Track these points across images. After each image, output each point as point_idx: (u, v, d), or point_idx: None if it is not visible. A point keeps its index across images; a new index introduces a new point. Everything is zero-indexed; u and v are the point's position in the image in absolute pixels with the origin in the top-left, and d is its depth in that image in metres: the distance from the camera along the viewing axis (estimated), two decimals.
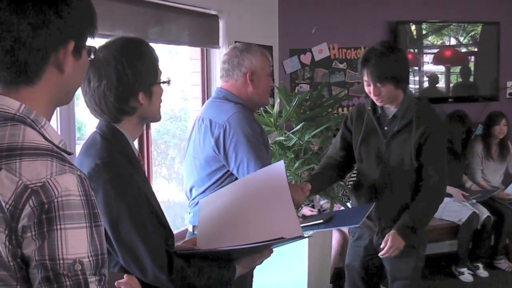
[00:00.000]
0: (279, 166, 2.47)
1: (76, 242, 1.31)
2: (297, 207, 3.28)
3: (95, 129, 2.23)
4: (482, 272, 6.21)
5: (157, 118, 2.32)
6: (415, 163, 3.37)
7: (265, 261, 2.43)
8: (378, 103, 3.42)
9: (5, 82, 1.43)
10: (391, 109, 3.46)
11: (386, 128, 3.45)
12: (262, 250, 2.32)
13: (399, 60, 3.37)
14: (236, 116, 3.04)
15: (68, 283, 1.30)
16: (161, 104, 2.28)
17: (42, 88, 1.44)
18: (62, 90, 1.50)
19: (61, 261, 1.29)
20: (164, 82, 2.24)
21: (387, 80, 3.31)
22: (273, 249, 2.38)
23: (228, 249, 2.22)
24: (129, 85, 2.11)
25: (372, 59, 3.34)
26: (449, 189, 6.30)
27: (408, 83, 3.53)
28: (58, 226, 1.29)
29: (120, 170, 2.08)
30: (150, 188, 2.29)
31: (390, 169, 3.41)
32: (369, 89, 3.38)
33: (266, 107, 4.68)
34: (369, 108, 3.50)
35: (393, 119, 3.44)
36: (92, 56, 1.57)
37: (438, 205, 3.46)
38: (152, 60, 2.19)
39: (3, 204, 1.29)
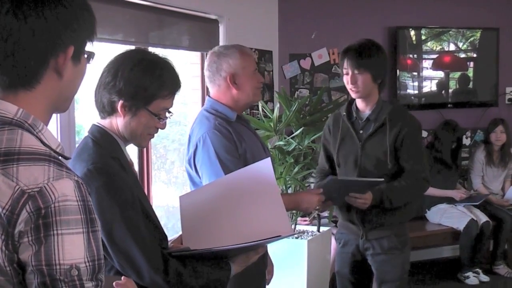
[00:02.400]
0: (266, 162, 2.44)
1: (73, 248, 1.31)
2: (311, 209, 3.23)
3: (87, 133, 2.23)
4: (483, 277, 6.22)
5: (136, 143, 2.28)
6: (389, 164, 3.40)
7: None
8: (353, 95, 3.47)
9: (4, 86, 1.43)
10: (366, 113, 3.51)
11: (361, 131, 3.49)
12: (257, 248, 2.32)
13: (379, 54, 3.47)
14: (208, 135, 2.93)
15: None
16: (146, 134, 2.23)
17: (40, 93, 1.44)
18: (60, 95, 1.50)
19: (58, 267, 1.29)
20: (154, 114, 2.18)
21: (365, 68, 3.38)
22: (268, 246, 2.41)
23: (225, 248, 2.22)
24: (116, 86, 2.12)
25: (353, 48, 3.45)
26: (448, 192, 6.32)
27: (384, 84, 3.59)
28: (55, 232, 1.29)
29: (112, 175, 2.08)
30: (143, 191, 2.29)
31: (366, 171, 3.43)
32: (347, 78, 3.43)
33: (266, 111, 4.69)
34: (344, 113, 3.54)
35: (367, 122, 3.49)
36: (91, 62, 1.57)
37: (417, 192, 3.51)
38: (153, 88, 2.15)
39: (0, 210, 1.29)
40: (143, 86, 2.12)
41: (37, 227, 1.28)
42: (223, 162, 2.86)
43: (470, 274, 6.17)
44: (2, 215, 1.29)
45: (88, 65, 1.56)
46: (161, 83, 2.15)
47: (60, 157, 1.42)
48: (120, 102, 2.12)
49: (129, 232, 2.04)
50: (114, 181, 2.07)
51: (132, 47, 4.34)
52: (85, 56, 1.53)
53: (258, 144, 3.15)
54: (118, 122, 2.17)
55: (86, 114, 3.75)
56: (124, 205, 2.05)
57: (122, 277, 1.90)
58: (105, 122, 2.20)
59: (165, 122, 2.25)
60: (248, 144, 3.01)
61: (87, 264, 1.33)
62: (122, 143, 2.21)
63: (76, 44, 1.47)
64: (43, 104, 1.46)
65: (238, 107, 3.08)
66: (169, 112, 2.24)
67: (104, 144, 2.16)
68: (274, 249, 2.83)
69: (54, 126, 3.41)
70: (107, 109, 2.16)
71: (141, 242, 2.06)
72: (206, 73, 3.12)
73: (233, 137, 2.96)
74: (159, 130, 2.27)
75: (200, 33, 5.07)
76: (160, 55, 2.25)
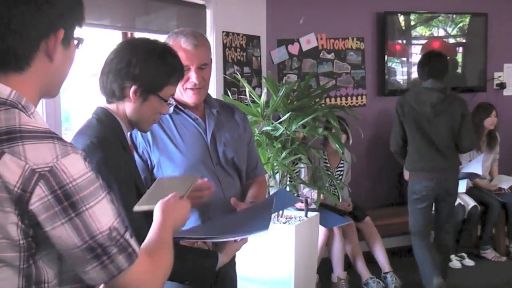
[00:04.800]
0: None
1: (103, 214, 1.43)
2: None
3: (91, 115, 2.27)
4: (468, 262, 6.28)
5: (142, 127, 2.33)
6: None
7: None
8: None
9: None
10: None
11: None
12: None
13: None
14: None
15: (115, 250, 1.44)
16: (152, 120, 2.29)
17: (31, 76, 1.47)
18: (51, 79, 1.53)
19: (100, 235, 1.41)
20: (164, 100, 2.25)
21: None
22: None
23: (210, 240, 2.29)
24: (130, 72, 2.17)
25: None
26: None
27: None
28: (84, 207, 1.39)
29: (114, 151, 2.14)
30: (139, 175, 2.34)
31: None
32: None
33: (253, 97, 4.68)
34: None
35: None
36: (80, 48, 1.60)
37: None
38: (165, 75, 2.23)
39: (11, 188, 1.34)
40: (158, 73, 2.21)
41: (64, 209, 1.37)
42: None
43: (453, 257, 6.23)
44: (14, 192, 1.34)
45: (77, 50, 1.60)
46: (173, 70, 2.25)
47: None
48: (133, 87, 2.18)
49: (122, 208, 2.05)
50: (114, 157, 2.13)
51: (120, 33, 4.36)
52: (75, 41, 1.57)
53: (194, 137, 2.81)
54: (126, 107, 2.24)
55: (72, 100, 3.73)
56: (121, 182, 2.10)
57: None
58: (111, 106, 2.26)
59: (168, 107, 2.34)
60: (175, 137, 2.76)
61: (117, 220, 1.47)
62: (125, 127, 2.26)
63: (66, 28, 1.50)
64: (33, 87, 1.49)
65: (180, 100, 2.81)
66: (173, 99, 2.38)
67: (108, 124, 2.22)
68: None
69: (40, 112, 3.39)
70: (117, 94, 2.21)
71: (132, 221, 2.07)
72: None
73: (148, 134, 2.69)
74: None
75: (187, 18, 5.05)
76: (166, 43, 2.36)
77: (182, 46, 2.73)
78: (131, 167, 2.23)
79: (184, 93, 2.77)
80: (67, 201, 1.36)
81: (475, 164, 6.28)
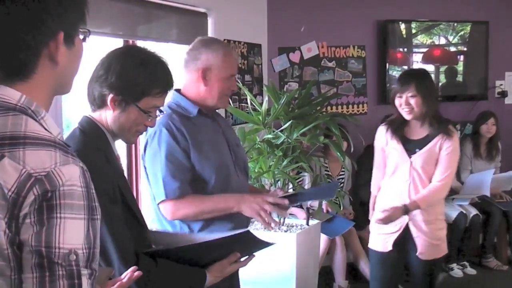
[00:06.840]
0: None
1: (73, 233, 1.32)
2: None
3: (77, 125, 2.23)
4: (470, 270, 6.26)
5: (124, 138, 2.27)
6: None
7: (253, 260, 2.42)
8: None
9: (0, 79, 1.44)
10: None
11: None
12: (229, 249, 2.32)
13: None
14: (157, 133, 2.82)
15: (61, 272, 1.30)
16: (135, 131, 2.24)
17: (37, 82, 1.45)
18: (59, 80, 1.51)
19: (57, 250, 1.30)
20: (143, 111, 2.18)
21: None
22: (243, 260, 2.42)
23: (199, 243, 2.28)
24: (107, 80, 2.13)
25: None
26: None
27: None
28: (58, 215, 1.30)
29: (94, 164, 2.04)
30: (127, 184, 2.28)
31: None
32: None
33: (254, 105, 4.67)
34: None
35: None
36: (87, 40, 1.57)
37: None
38: (145, 85, 2.16)
39: (5, 191, 1.30)
40: (134, 82, 2.14)
41: (40, 208, 1.29)
42: (163, 162, 2.79)
43: (454, 266, 6.23)
44: (8, 197, 1.30)
45: (84, 44, 1.57)
46: (153, 80, 2.17)
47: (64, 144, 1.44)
48: (111, 96, 2.13)
49: (105, 225, 2.01)
50: (95, 171, 2.03)
51: (121, 41, 4.36)
52: (80, 37, 1.54)
53: (220, 138, 2.99)
54: (107, 116, 2.18)
55: (74, 108, 3.73)
56: (103, 196, 2.02)
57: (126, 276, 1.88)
58: (96, 115, 2.21)
59: (155, 120, 2.26)
60: (206, 137, 2.89)
61: (84, 251, 1.33)
62: (110, 137, 2.21)
63: (66, 29, 1.47)
64: (42, 92, 1.47)
65: (203, 104, 2.95)
66: (160, 111, 2.26)
67: (91, 135, 2.16)
68: None
69: None
70: (97, 102, 2.17)
71: (116, 236, 2.05)
72: (184, 56, 3.00)
73: (184, 133, 2.82)
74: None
75: (189, 26, 5.04)
76: (155, 52, 2.26)
77: (234, 56, 3.02)
78: (116, 177, 2.14)
79: (221, 98, 2.95)
80: (47, 202, 1.30)
81: (485, 186, 6.17)
